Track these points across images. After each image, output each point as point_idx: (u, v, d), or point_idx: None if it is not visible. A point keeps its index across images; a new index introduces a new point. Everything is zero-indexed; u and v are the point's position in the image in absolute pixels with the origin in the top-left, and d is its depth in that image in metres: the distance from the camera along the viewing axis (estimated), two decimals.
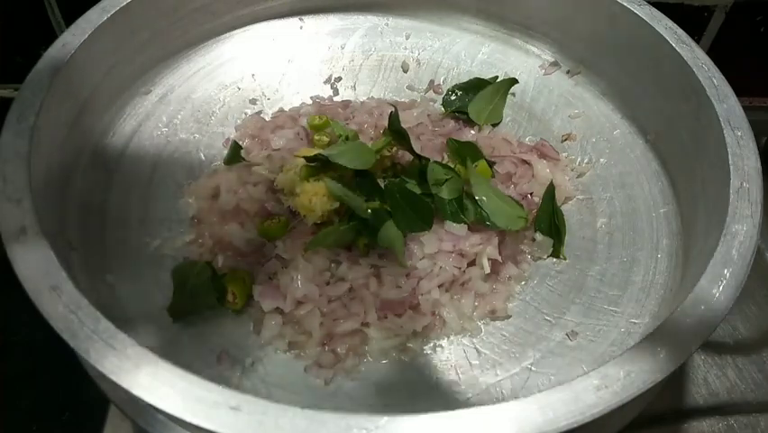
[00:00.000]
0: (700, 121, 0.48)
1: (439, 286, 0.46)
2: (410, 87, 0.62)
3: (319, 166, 0.49)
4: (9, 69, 0.68)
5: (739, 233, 0.40)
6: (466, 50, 0.63)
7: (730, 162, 0.43)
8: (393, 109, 0.51)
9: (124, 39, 0.52)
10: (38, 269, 0.36)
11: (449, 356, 0.45)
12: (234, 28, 0.61)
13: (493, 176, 0.52)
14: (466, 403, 0.43)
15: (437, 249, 0.47)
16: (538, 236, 0.50)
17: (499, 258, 0.48)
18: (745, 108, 0.46)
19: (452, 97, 0.60)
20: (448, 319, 0.46)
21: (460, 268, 0.47)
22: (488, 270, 0.47)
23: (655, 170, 0.54)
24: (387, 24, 0.64)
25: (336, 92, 0.61)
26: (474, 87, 0.60)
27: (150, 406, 0.31)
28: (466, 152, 0.53)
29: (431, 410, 0.42)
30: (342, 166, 0.47)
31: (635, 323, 0.46)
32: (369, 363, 0.45)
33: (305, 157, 0.49)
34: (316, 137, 0.54)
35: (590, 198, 0.54)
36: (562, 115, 0.59)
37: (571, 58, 0.61)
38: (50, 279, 0.35)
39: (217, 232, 0.49)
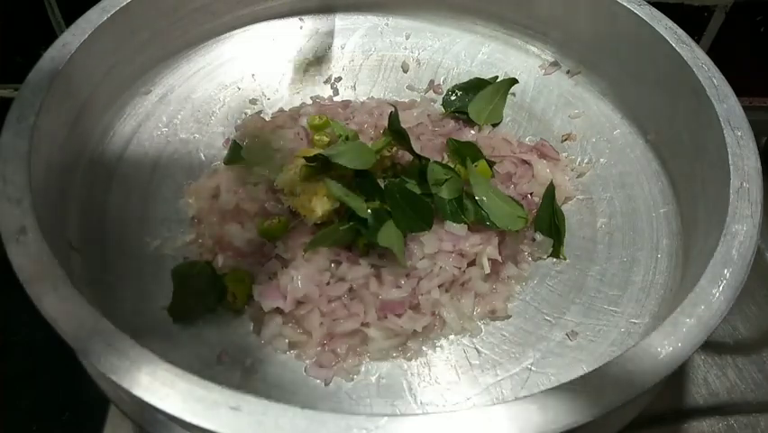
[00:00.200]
0: (700, 121, 0.48)
1: (439, 286, 0.46)
2: (410, 87, 0.62)
3: (319, 166, 0.49)
4: (9, 69, 0.68)
5: (739, 233, 0.40)
6: (466, 50, 0.63)
7: (730, 162, 0.43)
8: (393, 109, 0.51)
9: (124, 39, 0.52)
10: (38, 269, 0.36)
11: (449, 356, 0.45)
12: (234, 28, 0.61)
13: (493, 176, 0.52)
14: (466, 403, 0.43)
15: (437, 249, 0.47)
16: (538, 236, 0.50)
17: (499, 258, 0.48)
18: (745, 108, 0.46)
19: (452, 97, 0.60)
20: (448, 319, 0.46)
21: (460, 268, 0.47)
22: (488, 270, 0.47)
23: (655, 170, 0.54)
24: (387, 24, 0.64)
25: (336, 92, 0.61)
26: (474, 87, 0.60)
27: (150, 406, 0.31)
28: (466, 152, 0.53)
29: (431, 411, 0.42)
30: (342, 166, 0.47)
31: (635, 323, 0.46)
32: (369, 363, 0.45)
33: (305, 157, 0.49)
34: (316, 137, 0.54)
35: (590, 198, 0.54)
36: (562, 115, 0.59)
37: (571, 58, 0.61)
38: (50, 279, 0.35)
39: (217, 232, 0.49)
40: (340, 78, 0.62)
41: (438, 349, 0.46)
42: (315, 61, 0.61)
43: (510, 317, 0.47)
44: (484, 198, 0.49)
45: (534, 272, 0.50)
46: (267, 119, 0.57)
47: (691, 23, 0.67)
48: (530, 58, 0.62)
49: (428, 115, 0.58)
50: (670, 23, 0.52)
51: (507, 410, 0.32)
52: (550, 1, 0.59)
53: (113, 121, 0.54)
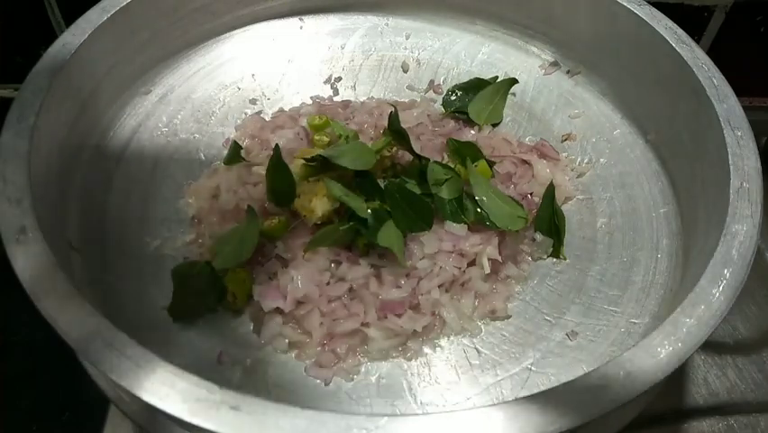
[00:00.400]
0: (700, 121, 0.48)
1: (439, 286, 0.46)
2: (410, 87, 0.62)
3: (319, 166, 0.49)
4: (9, 69, 0.68)
5: (739, 233, 0.40)
6: (466, 50, 0.63)
7: (730, 162, 0.43)
8: (393, 109, 0.51)
9: (124, 39, 0.52)
10: (38, 269, 0.36)
11: (449, 356, 0.45)
12: (234, 28, 0.61)
13: (493, 176, 0.52)
14: (466, 403, 0.43)
15: (437, 249, 0.47)
16: (538, 236, 0.50)
17: (499, 258, 0.48)
18: (745, 108, 0.46)
19: (452, 97, 0.60)
20: (448, 319, 0.46)
21: (460, 268, 0.47)
22: (488, 270, 0.47)
23: (655, 170, 0.54)
24: (387, 24, 0.64)
25: (336, 92, 0.61)
26: (474, 87, 0.60)
27: (150, 406, 0.31)
28: (466, 152, 0.53)
29: (431, 411, 0.42)
30: (342, 166, 0.47)
31: (635, 323, 0.46)
32: (369, 363, 0.45)
33: (304, 158, 0.49)
34: (316, 137, 0.54)
35: (590, 198, 0.54)
36: (562, 115, 0.59)
37: (571, 58, 0.61)
38: (50, 279, 0.35)
39: (217, 232, 0.49)
40: (340, 78, 0.62)
41: (438, 349, 0.46)
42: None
43: (510, 317, 0.47)
44: (484, 198, 0.49)
45: (534, 272, 0.50)
46: (267, 119, 0.58)
47: (691, 23, 0.67)
48: (530, 58, 0.62)
49: (428, 115, 0.58)
50: (670, 22, 0.52)
51: (507, 410, 0.31)
52: (550, 1, 0.59)
53: (113, 121, 0.54)
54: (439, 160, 0.52)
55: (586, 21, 0.57)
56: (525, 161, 0.55)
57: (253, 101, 0.59)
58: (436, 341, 0.46)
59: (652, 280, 0.48)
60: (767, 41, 0.70)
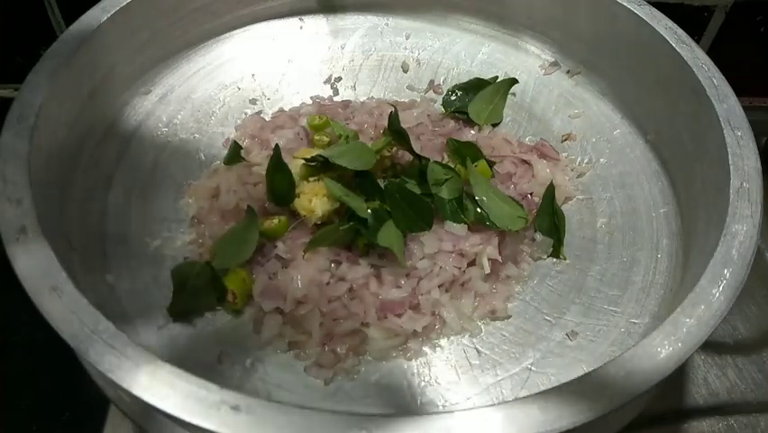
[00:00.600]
0: (700, 121, 0.48)
1: (439, 286, 0.46)
2: (410, 87, 0.62)
3: (319, 166, 0.49)
4: (9, 69, 0.68)
5: (739, 233, 0.40)
6: (466, 50, 0.63)
7: (730, 162, 0.43)
8: (393, 109, 0.51)
9: (124, 39, 0.52)
10: (38, 269, 0.36)
11: (449, 356, 0.45)
12: (234, 28, 0.61)
13: (493, 176, 0.52)
14: (466, 403, 0.43)
15: (437, 249, 0.47)
16: (538, 236, 0.51)
17: (499, 258, 0.48)
18: (745, 108, 0.46)
19: (452, 97, 0.60)
20: (448, 319, 0.46)
21: (460, 268, 0.47)
22: (488, 270, 0.47)
23: (655, 170, 0.54)
24: (387, 24, 0.64)
25: (336, 92, 0.61)
26: (474, 87, 0.60)
27: (150, 406, 0.31)
28: (466, 152, 0.53)
29: (431, 411, 0.42)
30: (342, 166, 0.47)
31: (635, 323, 0.46)
32: (369, 363, 0.45)
33: (304, 159, 0.49)
34: (316, 137, 0.54)
35: (590, 198, 0.54)
36: (562, 115, 0.59)
37: (571, 58, 0.61)
38: (50, 279, 0.35)
39: (217, 232, 0.49)
40: (340, 78, 0.62)
41: (438, 349, 0.46)
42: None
43: (510, 317, 0.47)
44: (484, 198, 0.49)
45: (534, 272, 0.50)
46: (267, 119, 0.58)
47: (691, 23, 0.67)
48: (530, 58, 0.62)
49: (428, 115, 0.58)
50: (670, 22, 0.52)
51: (508, 410, 0.31)
52: (550, 1, 0.59)
53: (113, 121, 0.54)
54: (439, 160, 0.52)
55: (586, 21, 0.57)
56: (525, 161, 0.55)
57: (253, 101, 0.59)
58: (436, 341, 0.46)
59: (652, 280, 0.48)
60: (767, 41, 0.70)
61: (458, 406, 0.43)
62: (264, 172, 0.49)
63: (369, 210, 0.47)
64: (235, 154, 0.52)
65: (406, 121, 0.55)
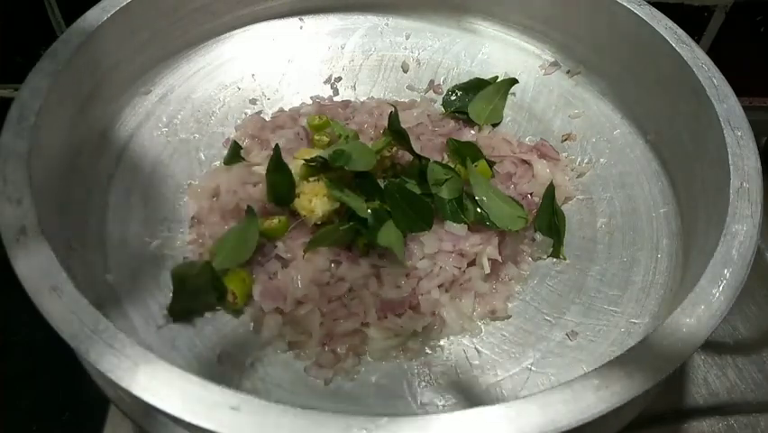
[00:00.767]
0: (700, 121, 0.48)
1: (439, 286, 0.46)
2: (410, 87, 0.62)
3: (319, 166, 0.49)
4: (9, 69, 0.68)
5: (739, 233, 0.40)
6: (466, 50, 0.63)
7: (730, 162, 0.43)
8: (393, 109, 0.51)
9: (124, 39, 0.52)
10: (38, 269, 0.36)
11: (449, 356, 0.45)
12: (234, 28, 0.61)
13: (493, 176, 0.53)
14: (466, 403, 0.43)
15: (437, 249, 0.47)
16: (538, 236, 0.51)
17: (499, 258, 0.48)
18: (745, 108, 0.46)
19: (452, 97, 0.60)
20: (448, 319, 0.46)
21: (460, 268, 0.47)
22: (488, 270, 0.47)
23: (655, 170, 0.54)
24: (387, 24, 0.64)
25: (336, 92, 0.61)
26: (474, 87, 0.60)
27: (150, 406, 0.31)
28: (466, 152, 0.53)
29: (431, 411, 0.42)
30: (341, 166, 0.47)
31: (635, 323, 0.46)
32: (369, 363, 0.45)
33: (304, 159, 0.49)
34: (316, 137, 0.54)
35: (590, 198, 0.54)
36: (562, 115, 0.59)
37: (571, 58, 0.61)
38: (50, 279, 0.35)
39: (217, 232, 0.49)
40: (340, 78, 0.62)
41: (438, 349, 0.46)
42: None
43: (510, 317, 0.47)
44: (484, 198, 0.49)
45: (534, 272, 0.50)
46: (267, 119, 0.58)
47: (691, 23, 0.67)
48: (530, 58, 0.62)
49: (428, 115, 0.58)
50: (670, 22, 0.52)
51: (507, 410, 0.31)
52: (550, 1, 0.59)
53: (113, 121, 0.53)
54: (439, 160, 0.52)
55: (586, 21, 0.57)
56: (525, 161, 0.55)
57: (253, 101, 0.59)
58: (436, 341, 0.46)
59: (652, 280, 0.48)
60: (767, 41, 0.70)
61: (458, 406, 0.43)
62: (264, 172, 0.49)
63: (369, 210, 0.47)
64: (235, 154, 0.52)
65: (406, 121, 0.55)
